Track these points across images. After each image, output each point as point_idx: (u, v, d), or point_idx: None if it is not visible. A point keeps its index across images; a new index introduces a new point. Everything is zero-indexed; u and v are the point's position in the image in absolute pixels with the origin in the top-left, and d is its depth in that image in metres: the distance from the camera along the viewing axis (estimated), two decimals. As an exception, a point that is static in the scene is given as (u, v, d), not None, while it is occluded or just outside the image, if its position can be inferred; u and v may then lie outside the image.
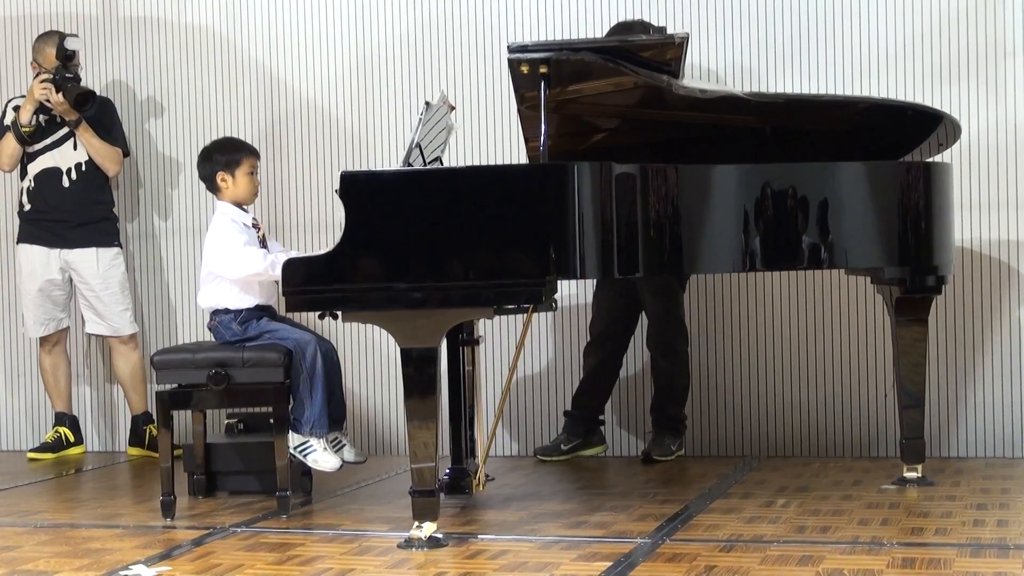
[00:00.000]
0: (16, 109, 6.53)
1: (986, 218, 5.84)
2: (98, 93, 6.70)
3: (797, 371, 6.07)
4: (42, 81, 6.33)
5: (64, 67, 6.35)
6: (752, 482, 5.38)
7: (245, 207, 5.36)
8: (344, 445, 5.22)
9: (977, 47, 5.84)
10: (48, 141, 6.50)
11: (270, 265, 5.05)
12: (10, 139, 6.48)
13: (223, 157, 5.33)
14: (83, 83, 6.45)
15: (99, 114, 6.48)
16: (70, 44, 6.37)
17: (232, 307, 5.21)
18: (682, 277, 5.96)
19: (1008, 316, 5.85)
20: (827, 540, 4.26)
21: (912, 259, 4.94)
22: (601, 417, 6.15)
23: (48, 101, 6.34)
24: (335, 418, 5.16)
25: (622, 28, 5.82)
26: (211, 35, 6.75)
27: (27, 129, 6.42)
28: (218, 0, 6.73)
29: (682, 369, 6.01)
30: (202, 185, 5.46)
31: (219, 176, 5.31)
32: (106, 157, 6.50)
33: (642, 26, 5.83)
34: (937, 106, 5.60)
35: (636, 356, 6.17)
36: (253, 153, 5.43)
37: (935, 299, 5.20)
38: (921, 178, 4.93)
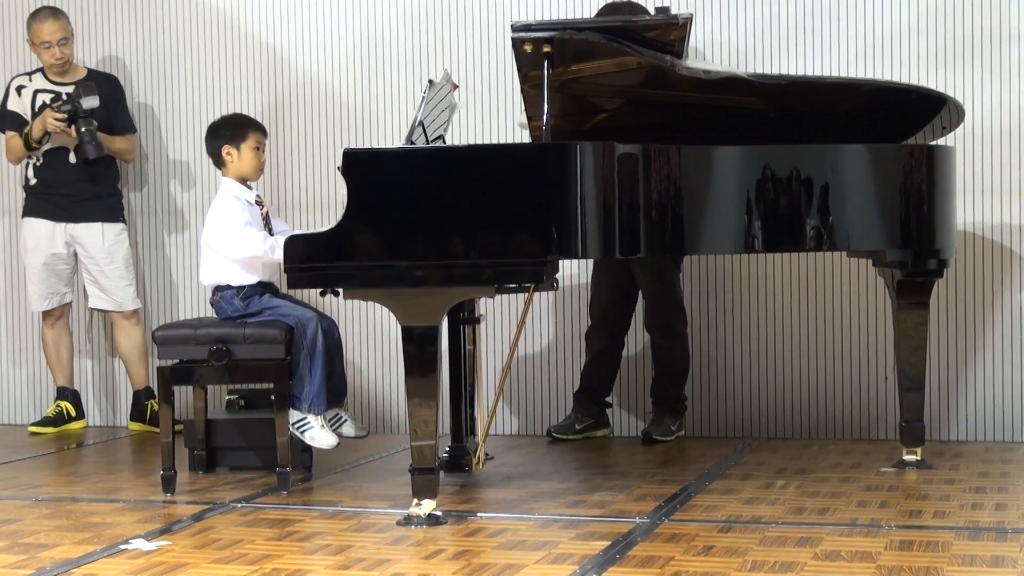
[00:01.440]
0: (19, 90, 6.51)
1: (988, 202, 5.84)
2: (102, 69, 6.71)
3: (797, 353, 6.07)
4: (57, 115, 6.22)
5: (80, 104, 6.22)
6: (751, 463, 5.39)
7: (249, 184, 5.36)
8: (345, 421, 5.24)
9: (982, 30, 5.82)
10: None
11: (269, 248, 5.06)
12: (18, 140, 6.45)
13: (229, 131, 5.35)
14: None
15: (106, 98, 6.44)
16: (86, 103, 6.21)
17: (234, 283, 5.21)
18: (677, 257, 5.95)
19: (1009, 300, 5.84)
20: (825, 522, 4.27)
21: (914, 242, 4.94)
22: (608, 399, 6.16)
23: (58, 131, 6.30)
24: (335, 394, 5.17)
25: (611, 9, 5.79)
26: (215, 12, 6.74)
27: (36, 145, 6.40)
28: (222, -24, 6.74)
29: (682, 350, 6.02)
30: (207, 161, 5.47)
31: (224, 149, 5.31)
32: (124, 151, 6.53)
33: (631, 7, 5.81)
34: (941, 89, 5.59)
35: (636, 337, 6.17)
36: (260, 129, 5.44)
37: (936, 282, 5.21)
38: (924, 161, 4.93)
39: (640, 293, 6.03)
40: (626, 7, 5.80)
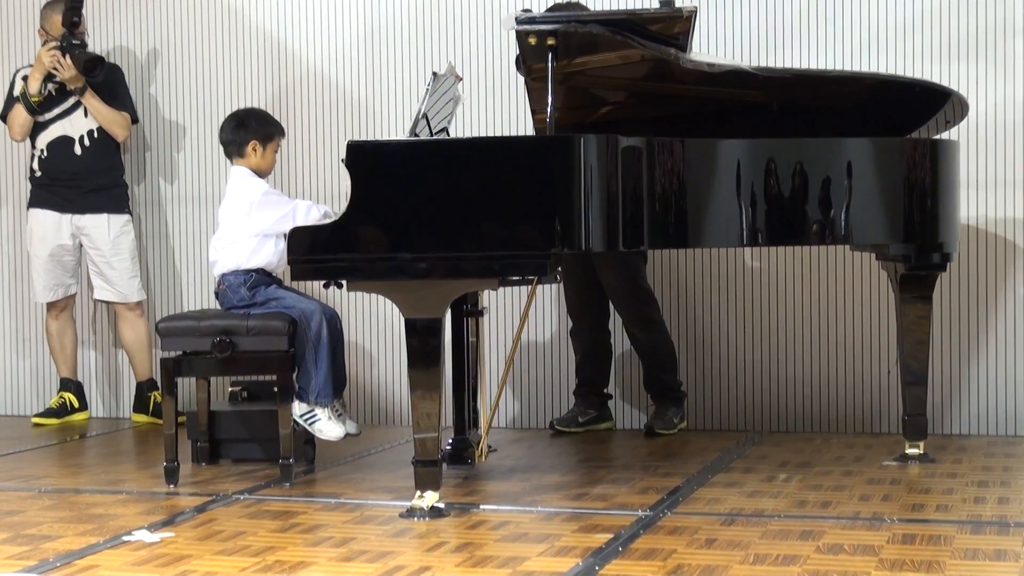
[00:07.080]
0: (25, 79, 6.53)
1: (992, 196, 5.84)
2: (106, 60, 6.71)
3: (800, 346, 6.07)
4: (49, 48, 6.33)
5: (71, 33, 6.34)
6: (754, 457, 5.39)
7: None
8: (342, 416, 5.24)
9: (986, 25, 5.82)
10: (58, 111, 6.50)
11: (316, 207, 5.20)
12: (20, 110, 6.48)
13: (261, 129, 5.37)
14: (90, 49, 6.45)
15: (106, 80, 6.48)
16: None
17: (254, 266, 5.19)
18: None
19: (1012, 294, 5.85)
20: (828, 515, 4.28)
21: (917, 236, 4.94)
22: (608, 391, 6.16)
23: (56, 68, 6.34)
24: (336, 386, 5.17)
25: (556, 9, 5.74)
26: (219, 3, 6.74)
27: (36, 99, 6.42)
28: (226, -32, 6.74)
29: (662, 336, 5.99)
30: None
31: (251, 144, 5.32)
32: (113, 122, 6.50)
33: (578, 6, 5.81)
34: (945, 83, 5.59)
35: (625, 331, 6.15)
36: (283, 133, 5.49)
37: (940, 276, 5.21)
38: (928, 155, 4.93)
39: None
40: (575, 6, 5.79)
